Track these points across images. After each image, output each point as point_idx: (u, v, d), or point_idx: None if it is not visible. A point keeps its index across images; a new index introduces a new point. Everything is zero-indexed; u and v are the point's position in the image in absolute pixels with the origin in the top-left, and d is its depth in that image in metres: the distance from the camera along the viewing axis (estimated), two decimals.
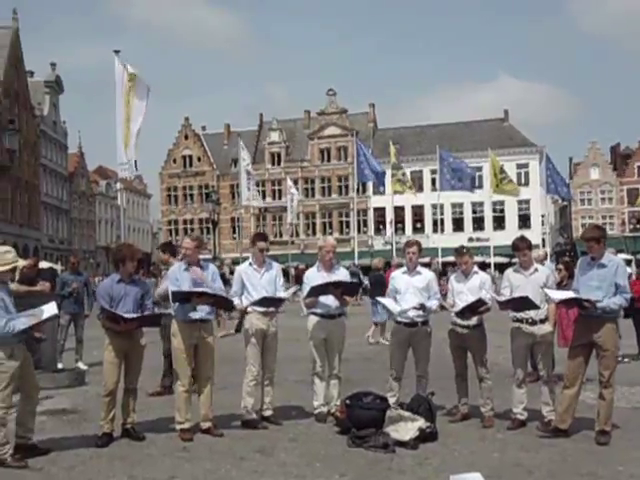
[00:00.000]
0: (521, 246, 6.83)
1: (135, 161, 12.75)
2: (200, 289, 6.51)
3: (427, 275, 7.23)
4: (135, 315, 6.41)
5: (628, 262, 22.01)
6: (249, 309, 6.97)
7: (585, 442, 6.14)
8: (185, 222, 66.11)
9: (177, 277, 6.65)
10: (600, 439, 6.12)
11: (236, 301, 6.96)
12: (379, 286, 13.17)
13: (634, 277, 12.50)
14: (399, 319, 7.10)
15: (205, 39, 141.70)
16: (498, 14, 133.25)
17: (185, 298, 6.48)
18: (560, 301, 6.66)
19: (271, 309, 7.04)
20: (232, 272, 12.12)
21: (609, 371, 6.27)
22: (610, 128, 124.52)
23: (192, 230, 60.60)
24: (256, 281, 7.00)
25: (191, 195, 66.78)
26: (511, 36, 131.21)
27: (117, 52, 13.05)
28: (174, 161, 67.39)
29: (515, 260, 7.26)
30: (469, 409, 7.07)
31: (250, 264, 7.14)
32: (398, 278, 7.28)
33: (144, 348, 6.67)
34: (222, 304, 7.12)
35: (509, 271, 7.09)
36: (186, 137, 67.52)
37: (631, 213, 59.29)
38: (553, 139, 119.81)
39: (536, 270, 6.87)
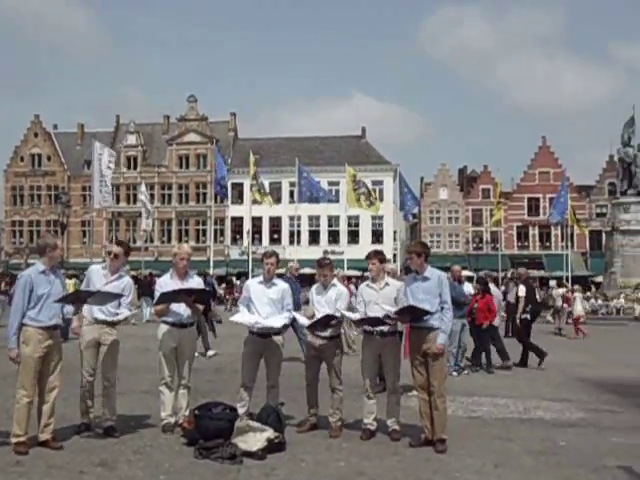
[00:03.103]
0: (371, 254, 7.06)
1: None
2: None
3: (282, 286, 7.23)
4: None
5: (470, 279, 23.26)
6: (83, 320, 6.78)
7: (425, 450, 6.38)
8: (31, 224, 62.72)
9: (36, 282, 6.23)
10: (438, 447, 6.37)
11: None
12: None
13: (473, 292, 13.21)
14: (252, 330, 7.08)
15: (59, 35, 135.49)
16: (354, 35, 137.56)
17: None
18: (397, 313, 6.73)
19: (107, 318, 6.77)
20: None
21: (438, 381, 6.57)
22: (458, 152, 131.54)
23: (38, 232, 57.67)
24: (100, 287, 6.72)
25: (39, 196, 63.46)
26: (367, 58, 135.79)
27: None
28: (21, 159, 63.82)
29: (368, 274, 7.45)
30: (318, 419, 7.15)
31: (103, 267, 6.96)
32: (253, 287, 7.20)
33: None
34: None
35: (362, 286, 7.26)
36: (35, 135, 64.20)
37: (475, 232, 62.90)
38: (407, 158, 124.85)
39: (387, 284, 7.05)
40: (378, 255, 7.11)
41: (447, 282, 6.89)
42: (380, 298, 6.92)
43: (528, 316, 13.16)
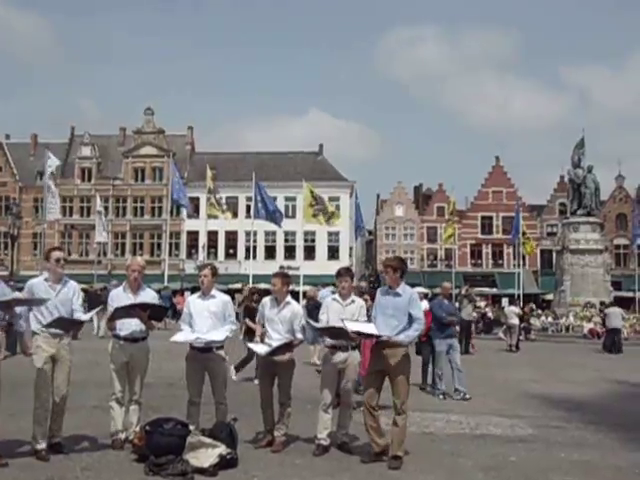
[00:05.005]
0: (344, 273, 7.16)
1: None
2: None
3: (222, 298, 7.14)
4: None
5: (425, 295, 23.48)
6: (38, 331, 6.48)
7: (377, 466, 6.38)
8: None
9: None
10: (392, 464, 6.37)
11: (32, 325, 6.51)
12: (316, 314, 13.07)
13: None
14: (194, 344, 6.99)
15: (10, 43, 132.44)
16: (311, 51, 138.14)
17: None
18: (355, 332, 6.72)
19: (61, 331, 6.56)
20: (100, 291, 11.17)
21: (401, 399, 6.58)
22: (414, 170, 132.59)
23: None
24: (51, 299, 6.49)
25: None
26: (324, 75, 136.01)
27: None
28: None
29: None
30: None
31: (46, 279, 6.68)
32: (193, 302, 7.13)
33: None
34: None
35: (329, 299, 7.32)
36: None
37: (429, 250, 63.57)
38: (363, 175, 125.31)
39: (353, 301, 7.10)
40: (349, 273, 7.24)
41: (418, 300, 6.93)
42: (345, 314, 6.93)
43: None
